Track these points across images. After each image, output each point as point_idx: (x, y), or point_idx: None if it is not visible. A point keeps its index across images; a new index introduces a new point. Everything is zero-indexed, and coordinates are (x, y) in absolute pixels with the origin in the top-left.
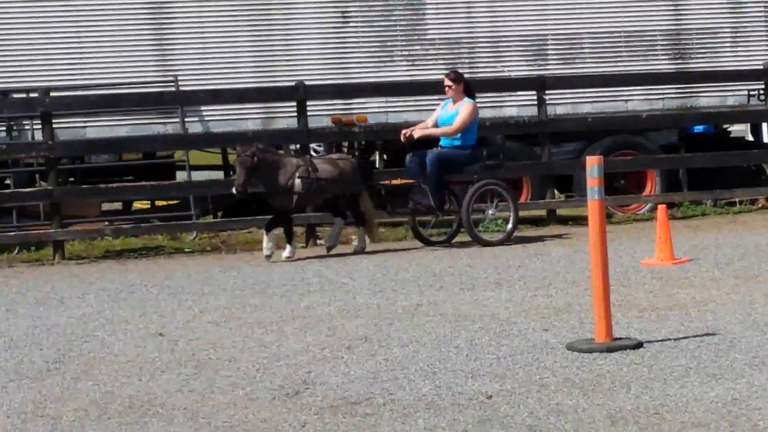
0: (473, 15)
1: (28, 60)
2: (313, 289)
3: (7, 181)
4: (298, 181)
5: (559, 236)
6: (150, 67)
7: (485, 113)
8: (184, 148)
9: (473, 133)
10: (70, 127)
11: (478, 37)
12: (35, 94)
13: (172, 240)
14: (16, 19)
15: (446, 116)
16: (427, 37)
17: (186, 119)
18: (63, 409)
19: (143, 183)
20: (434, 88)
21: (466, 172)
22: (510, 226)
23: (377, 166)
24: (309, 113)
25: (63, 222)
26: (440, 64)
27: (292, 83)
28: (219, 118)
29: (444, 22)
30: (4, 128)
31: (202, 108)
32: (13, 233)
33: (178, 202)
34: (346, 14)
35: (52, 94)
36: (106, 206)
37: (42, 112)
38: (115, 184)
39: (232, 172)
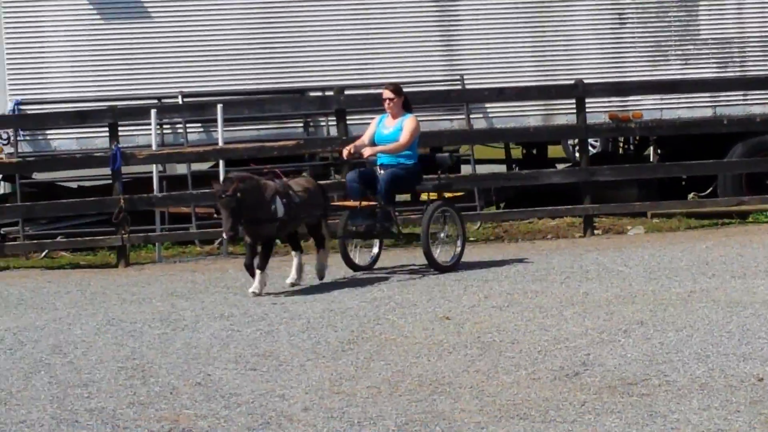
0: (744, 15)
1: (323, 60)
2: (591, 277)
3: (304, 174)
4: (280, 206)
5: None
6: (437, 67)
7: (755, 109)
8: (469, 143)
9: (415, 150)
10: (361, 123)
11: (748, 37)
12: (330, 93)
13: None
14: (311, 21)
15: (387, 132)
16: (700, 37)
17: (471, 116)
18: (357, 387)
19: (430, 176)
20: (707, 85)
21: (418, 190)
22: (459, 248)
23: (651, 160)
24: (587, 110)
25: None
26: (712, 63)
27: (571, 81)
28: (502, 115)
29: (716, 23)
30: (302, 124)
31: (486, 105)
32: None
33: (462, 193)
34: (622, 16)
35: (346, 92)
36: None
37: (336, 110)
38: None
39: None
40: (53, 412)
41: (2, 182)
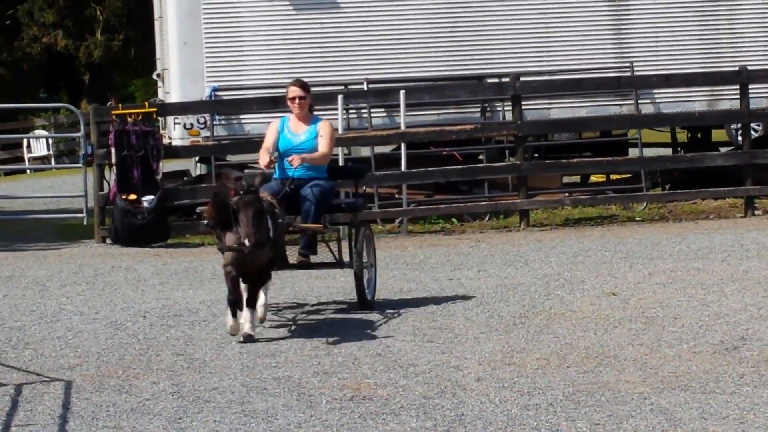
0: None
1: (501, 48)
2: (751, 255)
3: (480, 157)
4: (270, 225)
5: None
6: (608, 55)
7: None
8: (637, 127)
9: None
10: (536, 108)
11: None
12: (506, 80)
13: (625, 210)
14: (491, 11)
15: (300, 140)
16: None
17: (639, 101)
18: (527, 359)
19: (600, 158)
20: None
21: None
22: (373, 279)
23: None
24: (750, 95)
25: (528, 193)
26: None
27: (735, 68)
28: (668, 100)
29: None
30: (479, 109)
31: (654, 91)
32: (484, 203)
33: (630, 175)
34: None
35: (522, 79)
36: (566, 179)
37: (512, 95)
38: (575, 160)
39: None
40: (243, 380)
41: (199, 164)
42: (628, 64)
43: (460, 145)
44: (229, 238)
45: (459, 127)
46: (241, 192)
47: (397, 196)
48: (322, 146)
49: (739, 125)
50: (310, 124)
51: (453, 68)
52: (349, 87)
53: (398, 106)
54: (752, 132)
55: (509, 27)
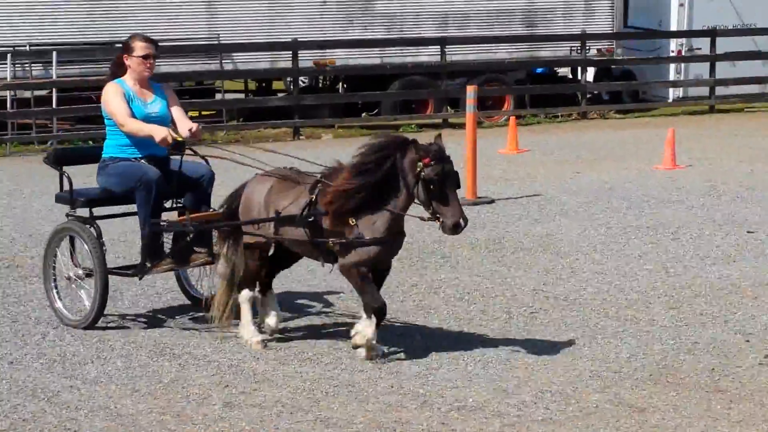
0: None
1: (124, 22)
2: (295, 164)
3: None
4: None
5: None
6: (203, 29)
7: (394, 60)
8: (221, 79)
9: None
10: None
11: (405, 12)
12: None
13: (208, 135)
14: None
15: (154, 109)
16: (375, 11)
17: (223, 61)
18: None
19: (194, 100)
20: (378, 43)
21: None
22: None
23: (340, 91)
24: (300, 58)
25: None
26: (382, 29)
27: (290, 39)
28: (244, 61)
29: (386, 4)
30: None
31: (233, 54)
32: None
33: (215, 112)
34: (325, 0)
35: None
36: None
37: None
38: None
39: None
40: None
41: None
42: (216, 35)
43: (98, 90)
44: (369, 224)
45: (96, 78)
46: (434, 162)
47: (48, 125)
48: (185, 117)
49: (291, 78)
50: (154, 91)
51: (93, 36)
52: (16, 48)
53: (52, 62)
54: (301, 83)
55: (132, 7)
